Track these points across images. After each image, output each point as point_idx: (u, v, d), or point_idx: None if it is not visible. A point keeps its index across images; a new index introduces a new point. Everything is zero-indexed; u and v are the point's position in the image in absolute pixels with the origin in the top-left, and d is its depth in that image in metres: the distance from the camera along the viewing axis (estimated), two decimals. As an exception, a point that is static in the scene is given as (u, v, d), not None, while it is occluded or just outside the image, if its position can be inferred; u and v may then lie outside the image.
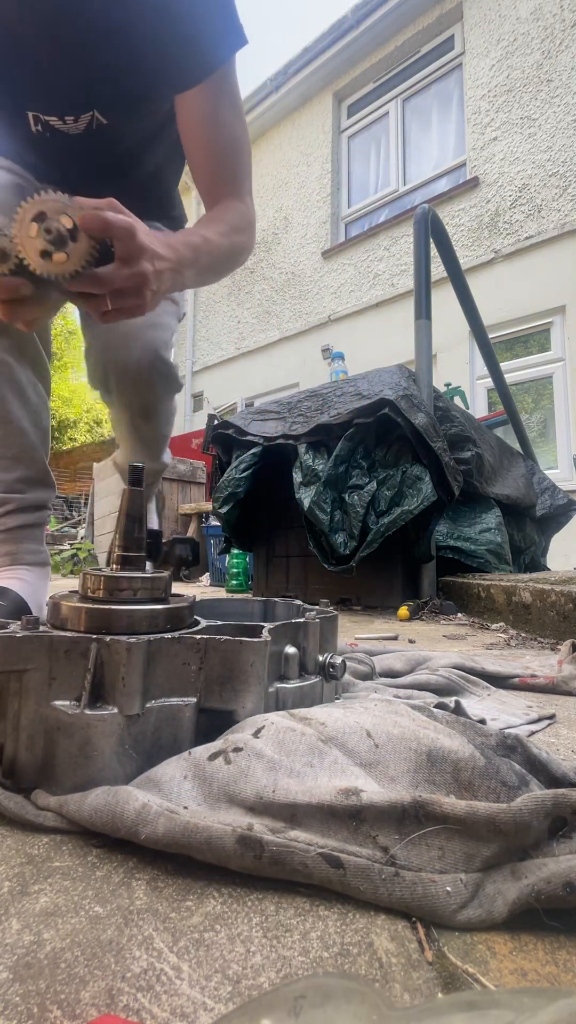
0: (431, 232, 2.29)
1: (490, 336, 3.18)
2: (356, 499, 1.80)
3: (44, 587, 1.03)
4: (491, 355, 2.87)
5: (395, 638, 1.27)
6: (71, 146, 0.91)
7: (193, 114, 0.88)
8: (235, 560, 3.32)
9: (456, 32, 5.40)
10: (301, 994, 0.19)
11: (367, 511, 1.79)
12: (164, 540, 4.27)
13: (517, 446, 3.04)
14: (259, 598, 0.75)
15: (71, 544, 6.07)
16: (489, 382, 4.11)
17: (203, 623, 0.50)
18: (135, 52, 0.81)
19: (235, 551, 2.90)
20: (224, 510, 2.14)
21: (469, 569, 2.05)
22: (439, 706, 0.49)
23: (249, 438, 2.14)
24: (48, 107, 0.86)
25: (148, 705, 0.40)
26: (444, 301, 3.28)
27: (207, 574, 4.11)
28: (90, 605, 0.44)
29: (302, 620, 0.53)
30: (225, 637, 0.44)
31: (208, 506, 4.33)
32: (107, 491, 5.13)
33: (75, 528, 8.14)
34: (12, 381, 0.94)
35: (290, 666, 0.50)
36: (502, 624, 1.44)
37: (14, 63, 0.80)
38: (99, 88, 0.84)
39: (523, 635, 1.30)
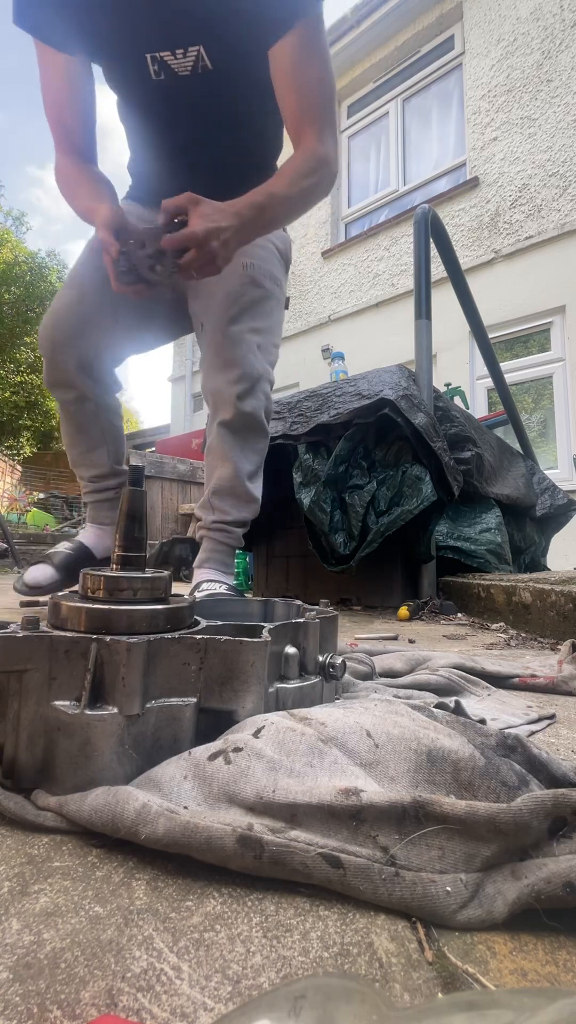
0: (431, 232, 2.28)
1: (490, 336, 3.17)
2: (356, 499, 1.80)
3: (108, 539, 1.36)
4: (491, 355, 2.87)
5: (395, 638, 1.26)
6: (185, 96, 1.05)
7: (283, 63, 1.01)
8: (235, 560, 3.31)
9: (456, 32, 5.40)
10: (301, 994, 0.19)
11: (367, 511, 1.79)
12: (164, 540, 4.26)
13: (517, 446, 3.03)
14: (259, 598, 0.75)
15: (71, 544, 6.04)
16: (489, 382, 4.11)
17: (203, 623, 0.50)
18: None
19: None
20: (224, 510, 2.13)
21: (469, 569, 2.05)
22: (439, 706, 0.49)
23: (249, 438, 2.13)
24: (160, 41, 1.00)
25: (148, 705, 0.40)
26: (444, 301, 3.28)
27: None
28: (90, 605, 0.44)
29: (302, 620, 0.53)
30: (225, 637, 0.44)
31: (208, 506, 4.31)
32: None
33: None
34: (96, 418, 1.40)
35: (290, 666, 0.50)
36: (502, 624, 1.44)
37: (139, 4, 0.96)
38: (203, 19, 0.99)
39: (523, 635, 1.30)
